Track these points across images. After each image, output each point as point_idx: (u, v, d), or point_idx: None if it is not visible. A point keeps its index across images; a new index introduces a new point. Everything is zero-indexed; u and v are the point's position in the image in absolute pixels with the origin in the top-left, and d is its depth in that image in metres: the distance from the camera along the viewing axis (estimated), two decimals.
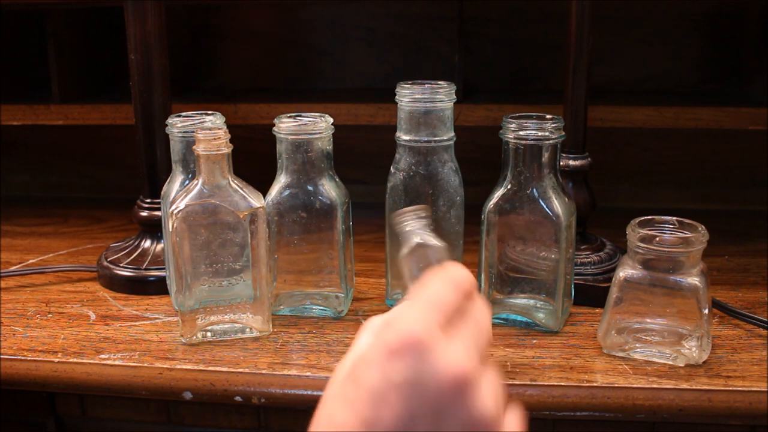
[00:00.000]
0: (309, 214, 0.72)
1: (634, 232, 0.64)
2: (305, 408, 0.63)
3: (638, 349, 0.65)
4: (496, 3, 1.12)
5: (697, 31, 1.11)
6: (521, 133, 0.67)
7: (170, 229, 0.67)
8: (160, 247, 0.84)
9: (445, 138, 0.71)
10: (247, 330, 0.71)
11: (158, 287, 0.81)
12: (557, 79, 0.83)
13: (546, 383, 0.62)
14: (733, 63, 1.11)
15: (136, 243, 0.85)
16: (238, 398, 0.64)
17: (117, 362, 0.67)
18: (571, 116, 0.79)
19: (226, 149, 0.66)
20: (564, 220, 0.67)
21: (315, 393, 0.63)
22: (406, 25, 1.15)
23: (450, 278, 0.42)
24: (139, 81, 0.79)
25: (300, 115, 0.71)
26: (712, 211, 1.09)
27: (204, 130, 0.66)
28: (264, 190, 0.72)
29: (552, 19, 1.11)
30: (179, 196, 0.67)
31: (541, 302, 0.71)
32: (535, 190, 0.68)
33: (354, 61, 1.18)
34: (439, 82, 0.71)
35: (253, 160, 0.97)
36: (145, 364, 0.66)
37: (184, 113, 0.74)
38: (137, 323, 0.75)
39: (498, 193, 0.70)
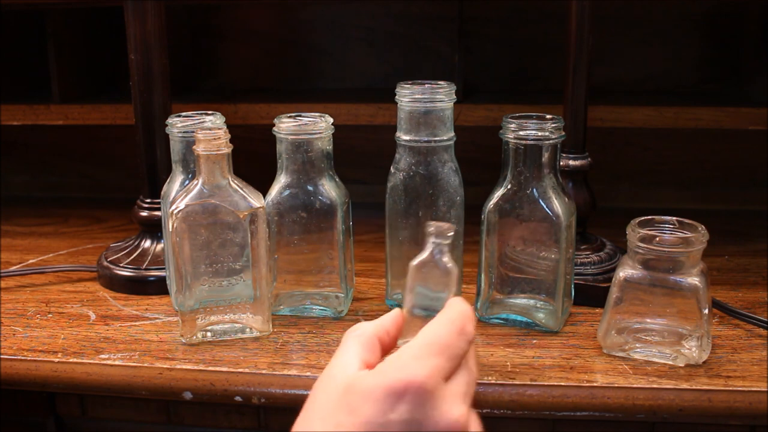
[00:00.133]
0: (309, 214, 0.72)
1: (634, 232, 0.64)
2: None
3: (638, 349, 0.65)
4: (496, 3, 1.12)
5: (697, 31, 1.11)
6: (521, 133, 0.67)
7: (170, 229, 0.67)
8: (160, 247, 0.84)
9: (445, 138, 0.71)
10: (247, 330, 0.71)
11: (158, 287, 0.81)
12: (557, 79, 0.83)
13: (546, 383, 0.62)
14: (733, 63, 1.11)
15: (136, 243, 0.85)
16: (238, 398, 0.64)
17: (117, 362, 0.67)
18: (571, 116, 0.79)
19: (226, 149, 0.66)
20: (564, 220, 0.67)
21: None
22: (406, 25, 1.15)
23: (456, 322, 0.44)
24: (139, 81, 0.80)
25: (300, 115, 0.71)
26: (712, 211, 1.09)
27: (204, 130, 0.65)
28: (264, 190, 0.72)
29: (552, 19, 1.11)
30: (179, 196, 0.67)
31: (541, 302, 0.71)
32: (535, 190, 0.68)
33: (354, 61, 1.18)
34: (439, 82, 0.70)
35: (253, 160, 0.97)
36: (145, 364, 0.66)
37: (184, 113, 0.74)
38: (137, 323, 0.75)
39: (498, 193, 0.70)
